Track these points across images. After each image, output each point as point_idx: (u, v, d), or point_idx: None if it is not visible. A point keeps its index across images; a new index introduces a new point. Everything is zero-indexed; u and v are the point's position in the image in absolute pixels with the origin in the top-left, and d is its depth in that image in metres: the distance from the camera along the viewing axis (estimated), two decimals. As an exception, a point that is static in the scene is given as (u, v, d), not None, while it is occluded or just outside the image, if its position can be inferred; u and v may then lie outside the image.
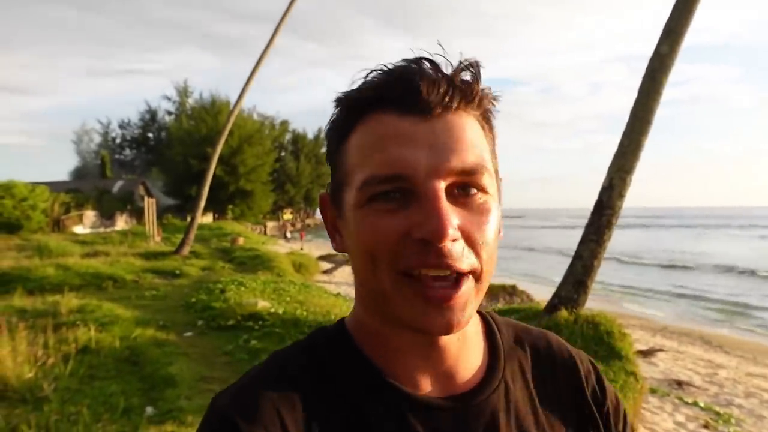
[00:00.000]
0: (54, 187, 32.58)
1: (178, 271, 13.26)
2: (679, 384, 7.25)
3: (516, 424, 0.70)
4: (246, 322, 7.61)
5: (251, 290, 10.11)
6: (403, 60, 0.64)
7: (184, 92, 57.63)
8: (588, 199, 7.54)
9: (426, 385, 0.68)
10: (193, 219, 18.44)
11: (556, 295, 7.08)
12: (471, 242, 0.60)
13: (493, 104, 0.67)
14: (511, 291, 11.73)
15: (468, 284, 0.60)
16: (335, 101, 0.67)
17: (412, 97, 0.61)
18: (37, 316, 7.20)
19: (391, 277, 0.60)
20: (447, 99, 0.61)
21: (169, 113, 60.64)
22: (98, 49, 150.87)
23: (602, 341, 6.03)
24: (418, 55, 0.64)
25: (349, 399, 0.66)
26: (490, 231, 0.62)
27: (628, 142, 6.77)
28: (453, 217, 0.59)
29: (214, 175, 24.13)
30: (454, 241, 0.59)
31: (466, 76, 0.63)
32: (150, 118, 66.14)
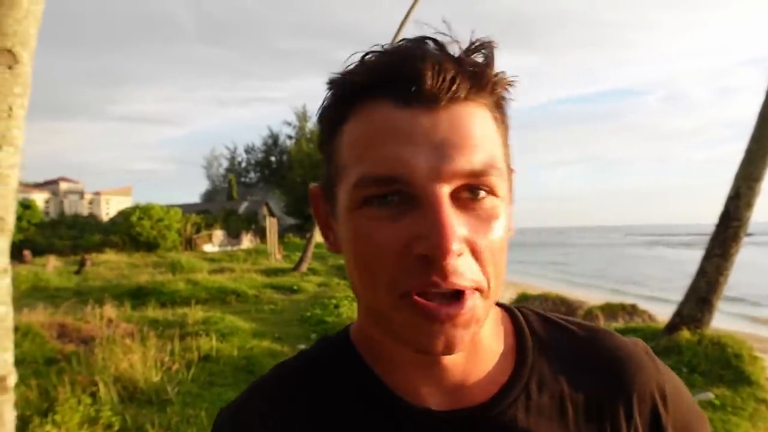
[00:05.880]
0: (186, 209, 35.43)
1: (295, 287, 13.80)
2: (827, 415, 6.49)
3: None
4: (357, 335, 7.81)
5: (363, 306, 10.33)
6: (404, 40, 0.56)
7: (303, 117, 60.21)
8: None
9: (433, 399, 0.62)
10: (310, 237, 19.17)
11: (677, 314, 6.62)
12: (477, 254, 0.54)
13: (507, 90, 0.58)
14: (630, 310, 11.05)
15: (472, 299, 0.53)
16: (327, 83, 0.59)
17: (413, 84, 0.52)
18: (166, 326, 7.80)
19: (391, 298, 0.54)
20: (454, 87, 0.53)
21: (290, 137, 63.71)
22: (226, 80, 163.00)
23: (729, 364, 5.55)
24: (421, 35, 0.56)
25: (350, 414, 0.63)
26: (498, 239, 0.55)
27: (757, 147, 6.26)
28: (459, 228, 0.52)
29: (330, 194, 24.97)
30: (459, 255, 0.52)
31: (478, 59, 0.55)
32: (272, 142, 69.92)
